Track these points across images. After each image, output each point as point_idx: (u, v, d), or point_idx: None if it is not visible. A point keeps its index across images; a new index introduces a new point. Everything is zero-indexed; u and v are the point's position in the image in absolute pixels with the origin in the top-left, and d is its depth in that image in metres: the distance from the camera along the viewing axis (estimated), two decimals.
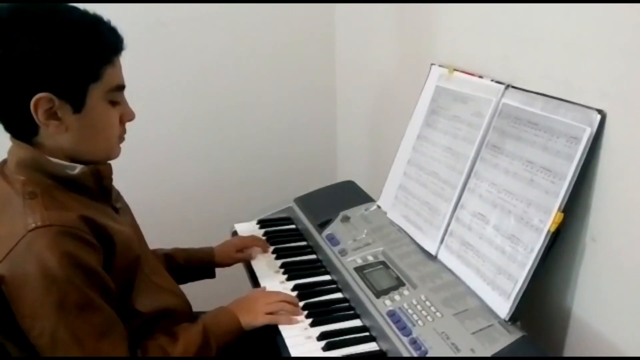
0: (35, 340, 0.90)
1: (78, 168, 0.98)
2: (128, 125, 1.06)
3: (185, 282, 1.33)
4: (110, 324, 0.94)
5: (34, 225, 0.87)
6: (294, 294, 1.22)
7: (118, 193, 1.15)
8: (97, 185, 1.01)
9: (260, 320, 1.12)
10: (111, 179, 1.07)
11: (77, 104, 0.94)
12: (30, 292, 0.87)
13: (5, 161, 1.00)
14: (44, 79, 0.90)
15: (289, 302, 1.17)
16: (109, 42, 0.96)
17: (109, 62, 0.95)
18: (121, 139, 1.05)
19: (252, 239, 1.46)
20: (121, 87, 1.00)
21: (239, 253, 1.42)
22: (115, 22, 0.98)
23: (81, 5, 0.97)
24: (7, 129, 0.97)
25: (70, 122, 0.94)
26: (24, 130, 0.95)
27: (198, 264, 1.39)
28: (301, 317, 1.15)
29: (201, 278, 1.41)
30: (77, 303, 0.89)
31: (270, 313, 1.13)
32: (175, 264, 1.34)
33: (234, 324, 1.11)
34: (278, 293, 1.21)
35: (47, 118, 0.92)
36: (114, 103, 0.99)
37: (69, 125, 0.94)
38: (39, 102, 0.90)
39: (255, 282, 1.32)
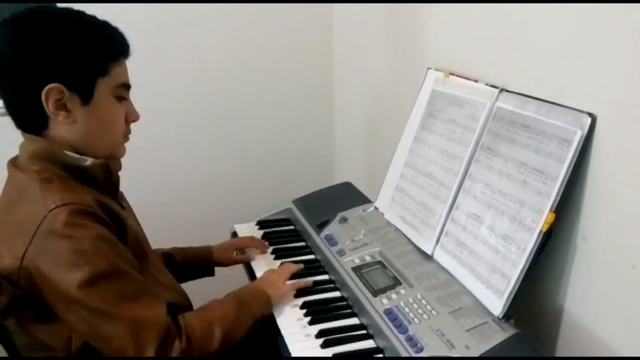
0: (71, 317, 0.91)
1: (89, 160, 1.01)
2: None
3: (184, 280, 1.35)
4: (143, 288, 0.96)
5: (54, 205, 0.90)
6: (292, 293, 1.23)
7: (122, 194, 1.17)
8: (106, 179, 1.04)
9: (283, 289, 1.20)
10: (119, 176, 1.09)
11: (86, 96, 0.98)
12: (62, 269, 0.89)
13: (16, 157, 1.03)
14: (55, 71, 0.94)
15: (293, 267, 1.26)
16: (116, 41, 1.01)
17: (117, 61, 1.01)
18: (126, 138, 1.08)
19: (251, 239, 1.48)
20: (127, 86, 1.05)
21: (237, 254, 1.45)
22: (117, 26, 1.01)
23: (83, 8, 1.00)
24: (19, 124, 1.00)
25: (79, 114, 0.98)
26: (34, 123, 0.98)
27: (196, 263, 1.42)
28: (298, 312, 1.18)
29: (200, 276, 1.44)
30: (108, 271, 0.91)
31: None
32: (174, 263, 1.36)
33: (261, 294, 1.16)
34: (283, 268, 1.28)
35: (57, 109, 0.96)
36: (120, 100, 1.03)
37: (77, 117, 0.98)
38: (50, 93, 0.94)
39: (249, 266, 1.35)
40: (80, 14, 0.99)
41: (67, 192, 0.93)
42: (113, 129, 1.04)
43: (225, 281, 1.47)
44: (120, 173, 1.10)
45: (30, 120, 0.99)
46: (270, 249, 1.45)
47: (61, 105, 0.96)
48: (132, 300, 0.93)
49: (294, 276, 1.27)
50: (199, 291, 1.34)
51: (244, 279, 1.41)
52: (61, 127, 0.98)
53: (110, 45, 1.00)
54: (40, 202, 0.91)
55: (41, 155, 0.98)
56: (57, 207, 0.90)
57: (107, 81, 0.99)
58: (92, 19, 0.99)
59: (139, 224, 1.20)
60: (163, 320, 0.95)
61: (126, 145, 1.10)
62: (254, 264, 1.40)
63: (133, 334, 0.91)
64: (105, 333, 0.92)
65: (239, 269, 1.46)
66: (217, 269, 1.47)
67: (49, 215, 0.89)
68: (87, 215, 0.92)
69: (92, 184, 1.01)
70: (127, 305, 0.92)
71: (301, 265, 1.27)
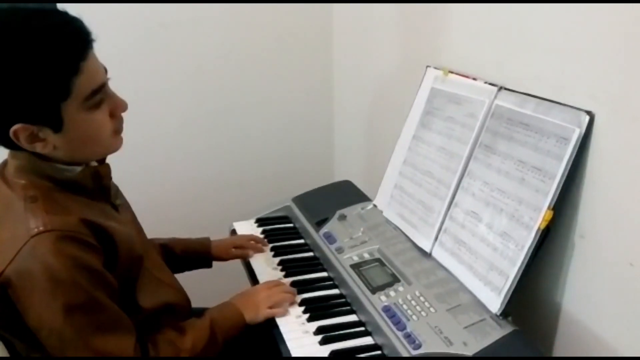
0: (44, 340, 0.92)
1: (77, 170, 0.99)
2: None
3: (181, 271, 1.36)
4: (116, 320, 0.95)
5: (36, 230, 0.88)
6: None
7: (117, 189, 1.15)
8: (96, 185, 1.02)
9: (262, 315, 1.15)
10: (110, 178, 1.07)
11: (55, 125, 0.91)
12: (37, 295, 0.88)
13: (5, 163, 1.00)
14: (14, 113, 0.88)
15: (288, 294, 1.20)
16: (69, 52, 0.88)
17: (77, 72, 0.88)
18: (118, 131, 1.01)
19: (250, 238, 1.46)
20: (98, 90, 0.93)
21: (236, 249, 1.44)
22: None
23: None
24: (4, 146, 0.96)
25: (55, 140, 0.93)
26: (18, 149, 0.94)
27: (194, 255, 1.42)
28: (297, 309, 1.18)
29: (197, 268, 1.44)
30: (83, 303, 0.90)
31: (272, 307, 1.16)
32: (172, 254, 1.37)
33: (238, 320, 1.14)
34: (277, 284, 1.23)
35: (31, 142, 0.91)
36: (96, 106, 0.94)
37: (56, 143, 0.93)
38: (18, 133, 0.89)
39: (253, 279, 1.35)
40: (20, 33, 0.85)
41: (51, 215, 0.90)
42: (98, 137, 0.97)
43: (225, 279, 1.48)
44: (119, 172, 1.09)
45: (11, 147, 0.95)
46: (269, 246, 1.45)
47: (34, 138, 0.91)
48: (104, 332, 0.93)
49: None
50: (199, 290, 1.34)
51: (244, 277, 1.41)
52: (46, 151, 0.94)
53: (63, 62, 0.87)
54: (22, 224, 0.89)
55: (27, 168, 0.95)
56: (39, 232, 0.88)
57: (73, 101, 0.90)
58: (35, 35, 0.85)
59: (136, 221, 1.19)
60: (130, 353, 0.95)
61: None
62: (253, 262, 1.40)
63: None
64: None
65: (239, 266, 1.46)
66: (217, 267, 1.47)
67: (31, 241, 0.87)
68: (69, 241, 0.89)
69: (81, 193, 1.00)
70: (98, 337, 0.92)
71: (295, 292, 1.22)
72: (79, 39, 0.90)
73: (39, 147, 0.92)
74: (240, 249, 1.44)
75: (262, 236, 1.51)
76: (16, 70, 0.84)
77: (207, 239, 1.45)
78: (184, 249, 1.40)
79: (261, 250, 1.44)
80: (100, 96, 0.94)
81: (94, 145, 0.98)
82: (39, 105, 0.88)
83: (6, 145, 0.95)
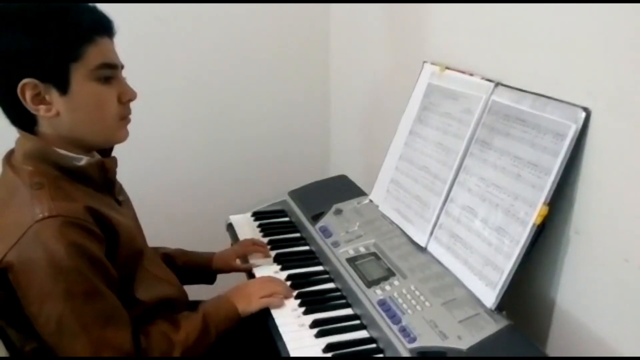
0: (41, 327, 0.92)
1: (84, 159, 1.00)
2: None
3: (182, 283, 1.34)
4: (115, 311, 0.96)
5: (41, 215, 0.89)
6: (288, 283, 1.24)
7: (121, 186, 1.16)
8: (101, 177, 1.03)
9: (254, 305, 1.15)
10: (115, 172, 1.08)
11: (62, 86, 0.94)
12: (38, 280, 0.89)
13: (12, 151, 1.01)
14: (24, 65, 0.92)
15: (282, 286, 1.20)
16: (85, 21, 0.95)
17: (90, 42, 0.95)
18: (124, 119, 1.04)
19: (252, 243, 1.41)
20: (109, 65, 0.99)
21: (239, 262, 1.40)
22: (113, 19, 0.99)
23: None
24: (11, 122, 0.99)
25: (60, 105, 0.95)
26: (23, 120, 0.97)
27: (195, 268, 1.39)
28: (293, 303, 1.18)
29: (199, 282, 1.41)
30: (84, 291, 0.91)
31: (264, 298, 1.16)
32: (174, 265, 1.33)
33: (231, 311, 1.14)
34: (271, 280, 1.24)
35: (37, 103, 0.94)
36: (107, 81, 0.98)
37: (60, 108, 0.95)
38: (24, 89, 0.92)
39: (249, 272, 1.35)
40: (43, 1, 0.94)
41: (57, 201, 0.91)
42: (102, 114, 1.00)
43: (223, 277, 1.47)
44: (118, 164, 1.10)
45: (17, 117, 0.97)
46: (267, 239, 1.45)
47: (41, 100, 0.94)
48: (103, 322, 0.93)
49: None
50: (196, 285, 1.35)
51: (243, 278, 1.41)
52: (49, 122, 0.96)
53: (78, 27, 0.94)
54: (28, 210, 0.90)
55: (35, 155, 0.97)
56: (44, 218, 0.89)
57: (82, 65, 0.94)
58: (57, 4, 0.94)
59: (135, 217, 1.19)
60: (127, 347, 0.95)
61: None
62: (249, 256, 1.40)
63: (94, 356, 0.92)
64: (68, 348, 0.92)
65: None
66: None
67: (35, 226, 0.88)
68: (74, 228, 0.90)
69: (87, 183, 1.00)
70: (96, 327, 0.92)
71: (291, 294, 1.21)
72: (96, 17, 0.97)
73: (42, 111, 0.95)
74: (244, 260, 1.39)
75: (258, 230, 1.51)
76: (36, 28, 0.91)
77: (211, 253, 1.42)
78: (185, 261, 1.38)
79: (265, 253, 1.39)
80: (110, 73, 0.99)
81: (95, 119, 1.00)
82: (50, 61, 0.92)
83: (16, 118, 0.97)
